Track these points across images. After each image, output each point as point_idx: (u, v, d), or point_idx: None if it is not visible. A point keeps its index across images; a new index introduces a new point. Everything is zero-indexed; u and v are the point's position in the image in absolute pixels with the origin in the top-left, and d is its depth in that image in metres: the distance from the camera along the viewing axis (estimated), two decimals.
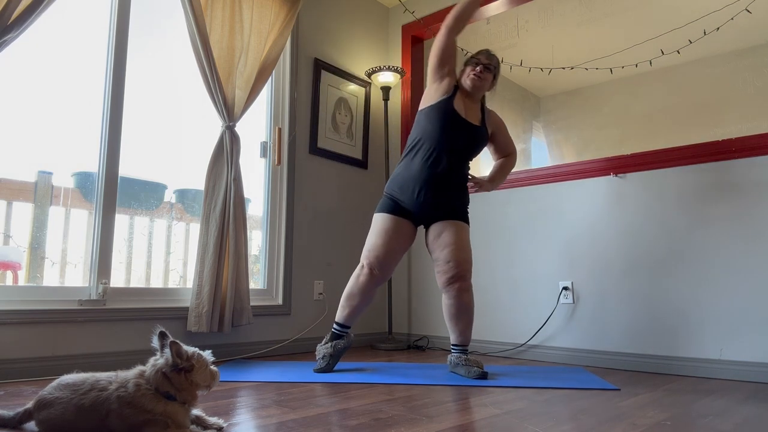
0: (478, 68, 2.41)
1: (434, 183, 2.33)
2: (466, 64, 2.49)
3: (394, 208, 2.39)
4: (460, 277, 2.30)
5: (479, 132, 2.42)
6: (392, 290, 3.56)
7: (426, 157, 2.35)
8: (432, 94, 2.43)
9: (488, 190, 2.58)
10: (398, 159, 3.69)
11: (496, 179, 2.58)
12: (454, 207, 2.39)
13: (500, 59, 2.51)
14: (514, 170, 3.19)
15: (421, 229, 3.41)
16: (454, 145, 2.36)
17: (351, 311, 2.40)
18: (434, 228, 2.39)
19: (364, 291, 2.37)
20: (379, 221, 2.39)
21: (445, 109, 2.36)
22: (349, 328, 2.44)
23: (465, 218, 2.42)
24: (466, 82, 2.43)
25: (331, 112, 3.46)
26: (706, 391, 2.05)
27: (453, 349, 2.37)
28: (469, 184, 2.52)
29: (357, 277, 2.39)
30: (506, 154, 2.62)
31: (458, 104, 2.40)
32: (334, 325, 2.44)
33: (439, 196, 2.35)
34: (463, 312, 2.31)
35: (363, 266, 2.38)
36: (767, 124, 2.61)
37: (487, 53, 2.47)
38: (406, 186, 2.37)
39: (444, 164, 2.34)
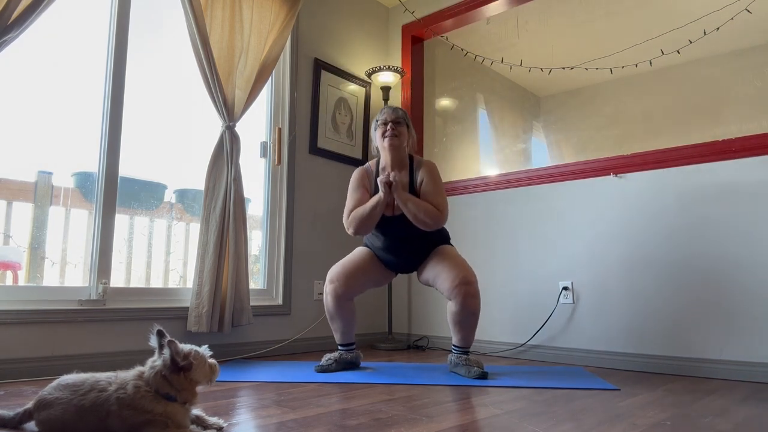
0: (388, 127, 2.36)
1: (402, 252, 2.42)
2: (374, 130, 2.45)
3: (368, 246, 2.51)
4: (466, 281, 2.24)
5: None
6: (392, 290, 3.56)
7: (383, 242, 2.43)
8: None
9: (392, 193, 2.27)
10: None
11: (407, 199, 2.27)
12: (428, 249, 2.44)
13: (405, 111, 2.45)
14: (514, 170, 3.19)
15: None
16: (397, 232, 2.39)
17: (340, 332, 2.45)
18: (422, 266, 2.44)
19: (336, 309, 2.39)
20: (357, 250, 2.51)
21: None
22: (352, 344, 2.46)
23: (447, 242, 2.49)
24: (384, 146, 2.37)
25: (331, 112, 3.46)
26: (706, 391, 2.05)
27: (454, 349, 2.37)
28: (381, 178, 2.28)
29: (325, 297, 2.43)
30: (432, 203, 2.33)
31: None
32: (338, 348, 2.47)
33: (413, 253, 2.42)
34: (471, 317, 2.28)
35: (326, 284, 2.42)
36: (767, 123, 2.61)
37: (389, 109, 2.41)
38: (379, 252, 2.47)
39: (399, 241, 2.40)
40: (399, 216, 2.35)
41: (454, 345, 2.36)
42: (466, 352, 2.35)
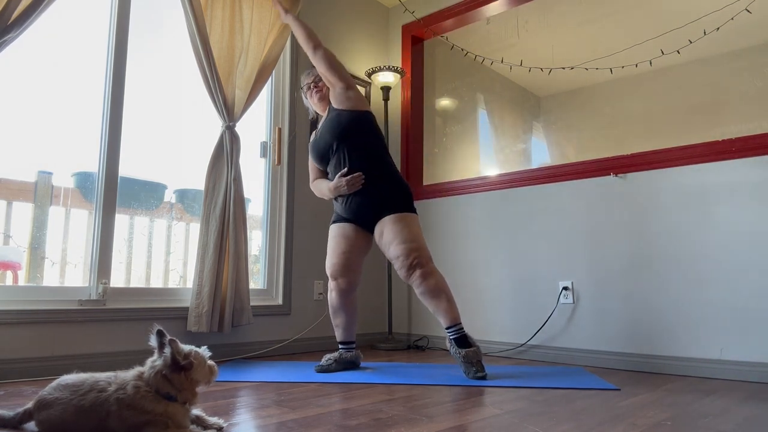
0: (313, 89, 2.56)
1: (352, 201, 2.40)
2: (305, 97, 2.65)
3: (336, 218, 2.51)
4: (415, 266, 2.26)
5: (332, 118, 2.45)
6: (392, 290, 3.56)
7: (333, 172, 2.44)
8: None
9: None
10: (398, 159, 3.69)
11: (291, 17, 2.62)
12: (382, 201, 2.35)
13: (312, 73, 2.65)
14: (514, 170, 3.19)
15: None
16: (334, 149, 2.41)
17: (342, 328, 2.46)
18: (376, 231, 2.40)
19: (341, 304, 2.43)
20: (329, 236, 2.52)
21: (311, 144, 2.56)
22: (353, 343, 2.46)
23: (400, 208, 2.34)
24: (315, 102, 2.58)
25: None
26: (706, 391, 2.05)
27: (448, 333, 2.27)
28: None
29: (329, 293, 2.47)
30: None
31: (318, 130, 2.54)
32: (339, 346, 2.47)
33: (360, 196, 2.37)
34: (436, 294, 2.25)
35: (329, 280, 2.45)
36: (767, 124, 2.61)
37: (305, 73, 2.63)
38: (343, 211, 2.46)
39: (343, 167, 2.39)
40: (335, 155, 2.42)
41: (445, 328, 2.28)
42: (461, 330, 2.25)
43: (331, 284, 2.44)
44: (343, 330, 2.46)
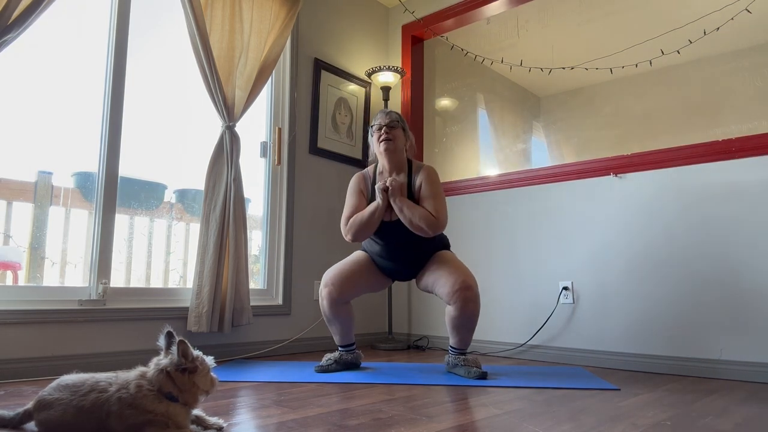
0: (382, 131, 2.34)
1: (399, 259, 2.38)
2: (371, 136, 2.43)
3: (372, 256, 2.46)
4: (465, 286, 2.22)
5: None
6: (392, 290, 3.56)
7: (381, 248, 2.40)
8: None
9: (391, 190, 2.26)
10: None
11: (402, 203, 2.26)
12: (431, 252, 2.41)
13: (399, 114, 2.42)
14: (513, 170, 3.19)
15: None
16: (395, 237, 2.35)
17: (338, 334, 2.43)
18: (421, 273, 2.40)
19: (333, 314, 2.37)
20: (354, 254, 2.48)
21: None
22: (352, 345, 2.45)
23: (441, 248, 2.44)
24: (380, 151, 2.35)
25: (331, 112, 3.46)
26: (706, 391, 2.05)
27: (451, 350, 2.37)
28: (378, 185, 2.29)
29: (320, 301, 2.41)
30: (429, 209, 2.31)
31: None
32: (338, 348, 2.46)
33: (411, 261, 2.39)
34: (468, 322, 2.26)
35: (321, 287, 2.41)
36: (767, 124, 2.61)
37: (383, 113, 2.39)
38: (377, 258, 2.43)
39: (397, 247, 2.37)
40: (397, 221, 2.31)
41: (451, 346, 2.36)
42: (464, 353, 2.35)
43: (323, 291, 2.37)
44: (340, 336, 2.43)
